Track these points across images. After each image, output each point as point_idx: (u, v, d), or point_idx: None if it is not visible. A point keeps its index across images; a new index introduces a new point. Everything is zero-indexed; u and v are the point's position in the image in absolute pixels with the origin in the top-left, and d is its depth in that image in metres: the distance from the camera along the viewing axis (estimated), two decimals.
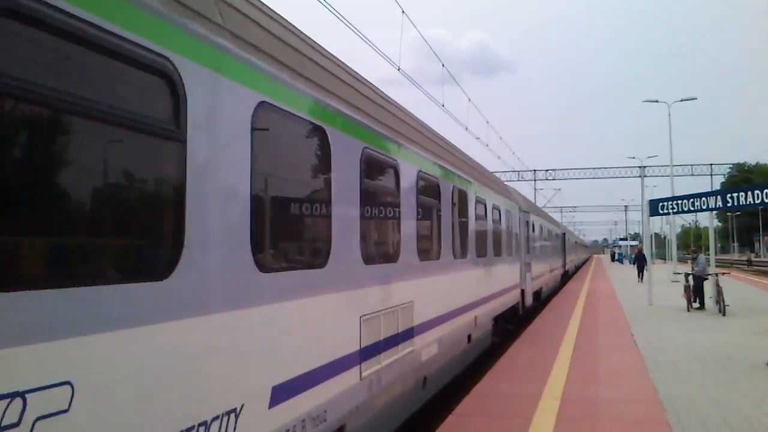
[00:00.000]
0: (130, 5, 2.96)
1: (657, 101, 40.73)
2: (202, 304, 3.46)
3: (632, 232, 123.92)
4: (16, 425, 2.26)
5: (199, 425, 3.30)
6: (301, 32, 5.42)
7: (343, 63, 6.25)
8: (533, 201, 41.38)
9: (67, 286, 2.55)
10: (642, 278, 32.53)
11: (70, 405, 2.49)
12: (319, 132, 4.98)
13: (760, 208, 72.54)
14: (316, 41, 5.72)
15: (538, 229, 22.49)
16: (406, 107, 8.60)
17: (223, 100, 3.69)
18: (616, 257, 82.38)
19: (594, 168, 68.46)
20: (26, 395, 2.31)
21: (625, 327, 15.04)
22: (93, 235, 2.91)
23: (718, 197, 18.10)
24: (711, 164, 65.01)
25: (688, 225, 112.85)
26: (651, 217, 22.34)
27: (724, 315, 17.09)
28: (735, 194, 17.23)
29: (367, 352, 5.74)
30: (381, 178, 6.58)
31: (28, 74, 2.43)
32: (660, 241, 60.72)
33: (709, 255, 19.85)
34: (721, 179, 78.99)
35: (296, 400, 4.38)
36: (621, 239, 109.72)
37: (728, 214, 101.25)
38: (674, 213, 20.70)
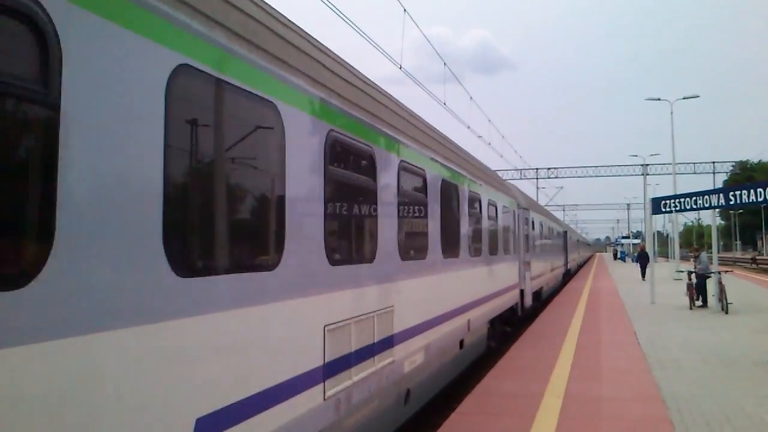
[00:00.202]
0: None
1: (659, 99, 40.73)
2: (87, 318, 2.65)
3: (634, 231, 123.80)
4: None
5: None
6: None
7: (304, 31, 5.37)
8: (535, 199, 41.34)
9: None
10: (645, 276, 32.51)
11: None
12: (268, 107, 4.22)
13: (762, 206, 72.45)
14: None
15: (538, 227, 21.76)
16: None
17: (120, 58, 2.91)
18: (619, 255, 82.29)
19: (596, 166, 68.20)
20: None
21: (628, 325, 15.03)
22: None
23: (721, 195, 18.08)
24: (713, 162, 64.78)
25: (691, 223, 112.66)
26: (653, 216, 22.30)
27: (726, 313, 17.07)
28: (737, 192, 17.21)
29: (334, 368, 4.99)
30: (352, 167, 5.85)
31: None
32: (662, 239, 60.65)
33: (711, 253, 19.80)
34: (724, 177, 78.67)
35: None
36: (623, 237, 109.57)
37: (731, 212, 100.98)
38: (677, 211, 20.67)
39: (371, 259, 5.99)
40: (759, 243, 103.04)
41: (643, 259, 34.55)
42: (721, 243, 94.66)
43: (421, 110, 9.07)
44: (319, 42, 5.58)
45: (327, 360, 4.89)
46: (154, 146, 3.09)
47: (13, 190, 2.46)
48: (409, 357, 6.98)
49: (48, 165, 2.52)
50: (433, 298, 8.14)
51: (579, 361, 10.41)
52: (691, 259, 23.46)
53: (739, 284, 27.66)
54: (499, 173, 20.10)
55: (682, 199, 19.88)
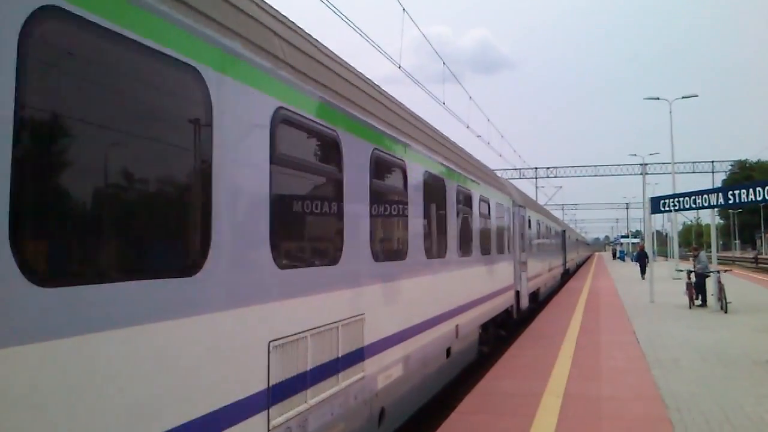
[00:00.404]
0: None
1: (658, 98, 40.70)
2: None
3: (634, 230, 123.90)
4: None
5: None
6: None
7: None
8: (534, 198, 41.34)
9: None
10: (645, 275, 32.56)
11: None
12: (189, 72, 3.42)
13: (761, 205, 72.45)
14: None
15: (535, 225, 21.12)
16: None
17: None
18: (618, 255, 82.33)
19: (595, 165, 68.21)
20: None
21: (627, 324, 15.04)
22: None
23: (720, 194, 18.11)
24: (712, 161, 64.84)
25: (690, 222, 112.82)
26: (652, 215, 22.33)
27: (726, 312, 17.08)
28: (736, 191, 17.24)
29: (282, 391, 4.23)
30: (310, 153, 5.09)
31: None
32: (661, 238, 60.69)
33: (710, 252, 19.82)
34: (723, 176, 78.77)
35: None
36: (622, 237, 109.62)
37: (730, 211, 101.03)
38: (676, 210, 20.70)
39: (334, 261, 5.23)
40: (758, 242, 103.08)
41: (642, 259, 34.68)
42: (721, 242, 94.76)
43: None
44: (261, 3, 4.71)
45: (273, 382, 4.11)
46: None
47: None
48: (384, 371, 6.25)
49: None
50: (415, 304, 7.40)
51: (578, 361, 10.41)
52: (690, 259, 23.47)
53: (739, 283, 27.67)
54: (499, 173, 19.85)
55: (681, 199, 19.90)
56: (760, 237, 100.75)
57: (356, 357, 5.54)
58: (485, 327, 11.91)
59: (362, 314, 5.71)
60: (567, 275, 38.13)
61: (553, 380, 8.97)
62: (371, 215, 6.03)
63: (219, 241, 3.61)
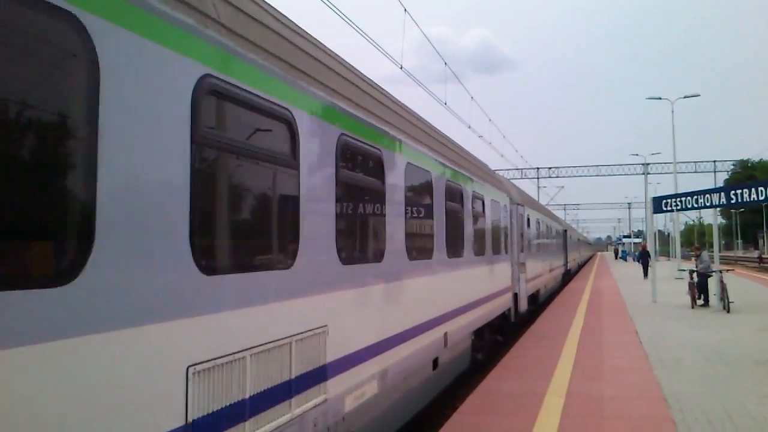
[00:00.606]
0: None
1: (660, 98, 40.70)
2: None
3: (636, 230, 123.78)
4: None
5: None
6: None
7: None
8: (536, 198, 41.29)
9: None
10: (647, 275, 32.55)
11: None
12: (63, 18, 2.62)
13: (763, 204, 72.38)
14: None
15: (535, 225, 20.41)
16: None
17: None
18: (620, 254, 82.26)
19: (597, 165, 68.27)
20: None
21: (630, 324, 15.02)
22: None
23: (722, 194, 18.10)
24: (714, 161, 64.83)
25: (692, 222, 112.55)
26: (654, 215, 22.30)
27: (728, 312, 17.06)
28: (739, 191, 17.23)
29: (208, 427, 3.43)
30: (249, 133, 4.12)
31: None
32: (663, 238, 60.60)
33: (712, 252, 19.80)
34: (725, 176, 78.75)
35: None
36: (624, 237, 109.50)
37: (732, 211, 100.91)
38: (678, 210, 20.68)
39: (287, 265, 4.43)
40: (760, 242, 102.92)
41: (644, 258, 34.72)
42: (723, 242, 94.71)
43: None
44: None
45: (193, 417, 3.30)
46: None
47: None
48: (354, 390, 5.47)
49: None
50: (394, 312, 6.66)
51: (581, 361, 10.41)
52: (693, 258, 23.44)
53: (741, 283, 27.64)
54: (501, 173, 19.75)
55: (683, 198, 19.88)
56: (763, 236, 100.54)
57: (316, 377, 4.76)
58: (480, 332, 11.28)
59: (324, 326, 4.93)
60: (568, 276, 38.05)
61: (555, 380, 8.97)
62: (338, 211, 5.27)
63: (105, 236, 2.75)
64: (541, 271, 21.36)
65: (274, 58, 4.39)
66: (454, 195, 9.33)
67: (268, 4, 4.78)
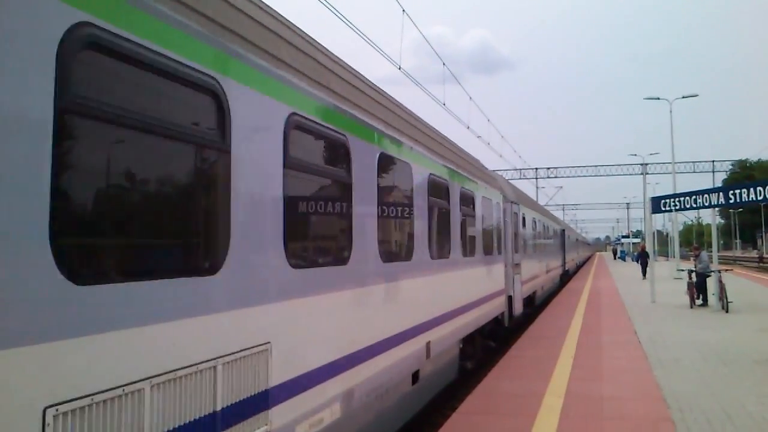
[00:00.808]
0: None
1: (658, 98, 40.69)
2: None
3: (634, 230, 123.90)
4: None
5: None
6: None
7: None
8: (535, 198, 41.27)
9: None
10: (646, 275, 32.61)
11: None
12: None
13: (762, 204, 72.48)
14: None
15: (531, 224, 19.64)
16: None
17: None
18: (619, 255, 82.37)
19: (596, 165, 68.29)
20: None
21: (628, 324, 15.03)
22: None
23: (721, 194, 18.11)
24: (713, 161, 64.84)
25: (691, 222, 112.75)
26: (653, 215, 22.31)
27: (727, 312, 17.07)
28: (737, 191, 17.23)
29: None
30: (157, 102, 3.31)
31: None
32: (662, 238, 60.68)
33: (711, 252, 19.81)
34: (723, 176, 78.78)
35: None
36: (623, 237, 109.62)
37: (730, 210, 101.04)
38: (676, 210, 20.70)
39: (210, 270, 3.56)
40: (759, 242, 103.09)
41: (643, 258, 34.79)
42: (721, 242, 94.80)
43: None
44: None
45: None
46: None
47: None
48: (308, 417, 4.67)
49: None
50: (363, 321, 5.87)
51: (580, 361, 10.41)
52: (691, 258, 23.47)
53: (740, 283, 27.67)
54: (499, 173, 19.66)
55: (681, 198, 19.89)
56: (761, 236, 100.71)
57: (254, 405, 3.95)
58: (471, 338, 10.59)
59: (266, 344, 4.10)
60: (567, 276, 38.01)
61: (554, 380, 8.96)
62: (287, 204, 4.43)
63: None
64: (537, 272, 20.73)
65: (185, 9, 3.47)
66: (438, 190, 8.61)
67: None
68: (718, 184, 63.39)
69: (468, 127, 24.05)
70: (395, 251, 6.95)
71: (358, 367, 5.60)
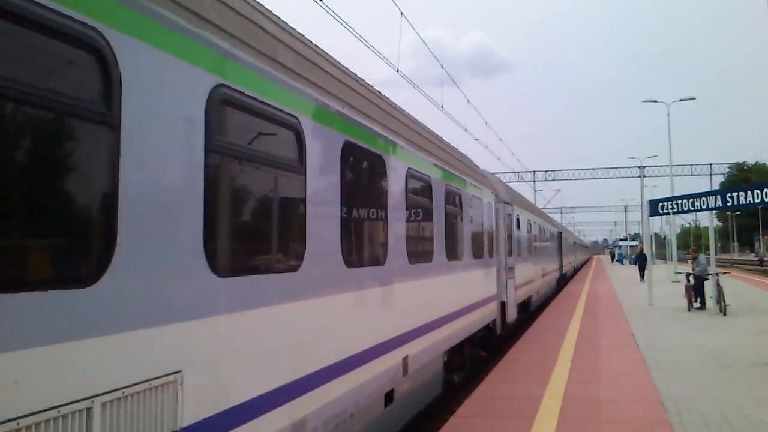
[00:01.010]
0: None
1: (656, 101, 40.95)
2: None
3: (632, 233, 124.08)
4: None
5: None
6: None
7: None
8: (533, 202, 41.29)
9: None
10: (644, 277, 32.65)
11: None
12: None
13: (759, 207, 72.61)
14: None
15: (526, 226, 18.91)
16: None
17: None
18: (617, 257, 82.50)
19: (593, 168, 68.58)
20: None
21: (626, 327, 15.03)
22: None
23: (718, 197, 18.13)
24: (710, 164, 65.15)
25: (688, 225, 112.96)
26: (651, 218, 22.35)
27: (724, 315, 17.09)
28: (735, 194, 17.25)
29: None
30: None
31: None
32: (660, 241, 60.78)
33: (709, 255, 19.84)
34: (721, 179, 79.08)
35: None
36: (621, 239, 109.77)
37: (728, 213, 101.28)
38: (674, 213, 20.73)
39: (85, 280, 2.72)
40: (756, 244, 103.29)
41: (641, 261, 34.84)
42: (719, 244, 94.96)
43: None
44: None
45: None
46: None
47: None
48: None
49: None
50: (318, 338, 4.92)
51: (578, 364, 10.40)
52: (689, 261, 23.49)
53: (737, 286, 27.68)
54: (497, 176, 19.55)
55: (679, 201, 19.92)
56: (759, 239, 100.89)
57: None
58: (459, 348, 9.82)
59: (175, 373, 3.20)
60: (564, 279, 37.95)
61: (552, 383, 8.96)
62: (207, 192, 3.52)
63: None
64: (532, 276, 19.79)
65: None
66: (419, 187, 7.82)
67: None
68: (716, 186, 63.61)
69: (466, 130, 24.10)
70: (363, 255, 6.11)
71: (312, 392, 4.70)
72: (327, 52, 5.98)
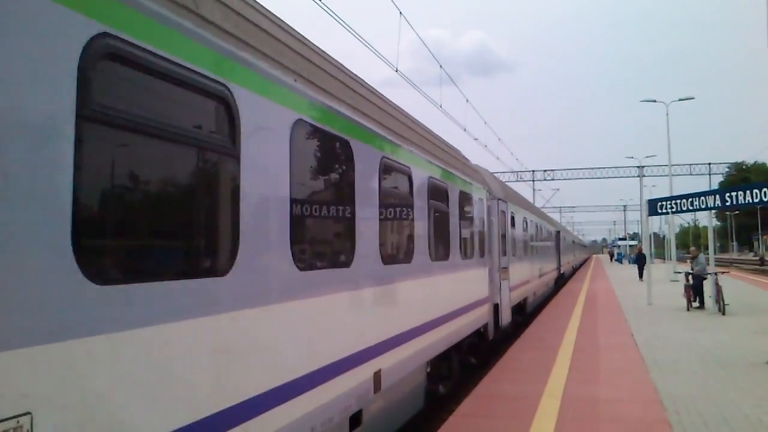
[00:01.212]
0: None
1: (655, 101, 40.86)
2: None
3: (631, 232, 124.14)
4: None
5: None
6: None
7: None
8: (532, 201, 41.27)
9: None
10: (643, 277, 32.68)
11: None
12: None
13: (758, 207, 72.67)
14: None
15: (522, 224, 18.13)
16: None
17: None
18: (616, 257, 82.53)
19: (592, 168, 68.56)
20: None
21: (625, 327, 15.04)
22: None
23: (717, 196, 18.14)
24: (709, 164, 65.00)
25: (687, 224, 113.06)
26: (650, 217, 22.35)
27: (723, 314, 17.11)
28: (734, 193, 17.26)
29: None
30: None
31: None
32: (659, 240, 60.77)
33: (708, 254, 19.85)
34: (720, 178, 79.02)
35: None
36: (620, 239, 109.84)
37: (727, 213, 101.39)
38: (673, 212, 20.72)
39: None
40: (755, 243, 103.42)
41: (640, 260, 34.88)
42: (718, 244, 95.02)
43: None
44: None
45: None
46: None
47: None
48: None
49: None
50: (254, 356, 3.98)
51: (576, 363, 10.41)
52: (688, 261, 23.50)
53: (736, 285, 27.70)
54: (497, 176, 19.42)
55: (678, 201, 19.93)
56: (758, 239, 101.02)
57: None
58: (445, 356, 9.04)
59: (22, 415, 2.30)
60: (562, 279, 37.85)
61: (551, 382, 8.96)
62: (80, 170, 2.64)
63: None
64: (528, 277, 18.96)
65: None
66: (395, 180, 7.03)
67: None
68: (715, 186, 63.58)
69: (465, 130, 24.08)
70: (321, 255, 5.28)
71: (246, 424, 3.76)
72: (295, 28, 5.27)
